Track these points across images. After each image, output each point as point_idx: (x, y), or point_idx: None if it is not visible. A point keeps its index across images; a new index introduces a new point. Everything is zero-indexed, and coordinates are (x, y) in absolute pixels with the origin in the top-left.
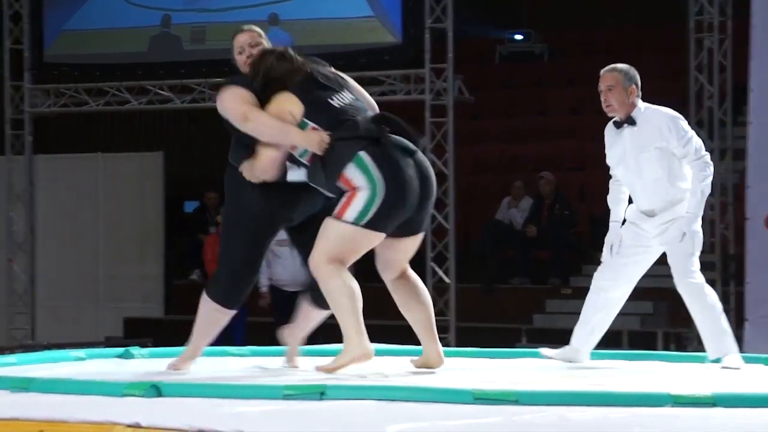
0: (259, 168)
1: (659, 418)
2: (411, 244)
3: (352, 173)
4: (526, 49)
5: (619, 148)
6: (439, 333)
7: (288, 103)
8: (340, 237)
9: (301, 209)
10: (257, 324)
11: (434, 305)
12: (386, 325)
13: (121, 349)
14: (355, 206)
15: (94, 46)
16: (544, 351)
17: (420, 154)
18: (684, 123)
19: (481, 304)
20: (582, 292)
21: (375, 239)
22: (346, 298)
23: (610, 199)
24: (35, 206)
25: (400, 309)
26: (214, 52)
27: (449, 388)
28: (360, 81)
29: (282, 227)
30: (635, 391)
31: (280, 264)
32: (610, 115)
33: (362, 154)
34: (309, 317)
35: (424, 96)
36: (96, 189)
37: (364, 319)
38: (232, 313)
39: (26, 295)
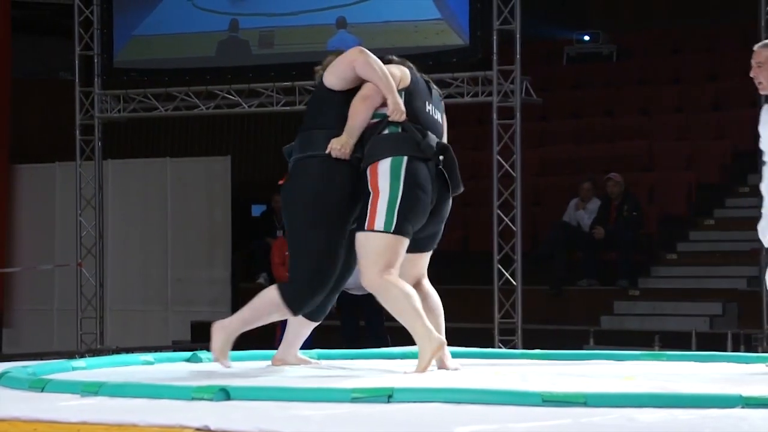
0: (360, 99)
1: (730, 420)
2: (425, 260)
3: (384, 169)
4: (593, 49)
5: None
6: (505, 335)
7: (399, 71)
8: (379, 247)
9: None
10: (324, 327)
11: (501, 307)
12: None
13: (188, 353)
14: (380, 214)
15: (162, 51)
16: None
17: (449, 198)
18: None
19: (548, 306)
20: (650, 294)
21: (405, 243)
22: (405, 303)
23: (765, 188)
24: (104, 211)
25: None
26: (282, 56)
27: (518, 390)
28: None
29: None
30: (705, 393)
31: None
32: (761, 93)
33: (405, 159)
34: (301, 334)
35: (491, 98)
36: (164, 193)
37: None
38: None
39: (95, 299)
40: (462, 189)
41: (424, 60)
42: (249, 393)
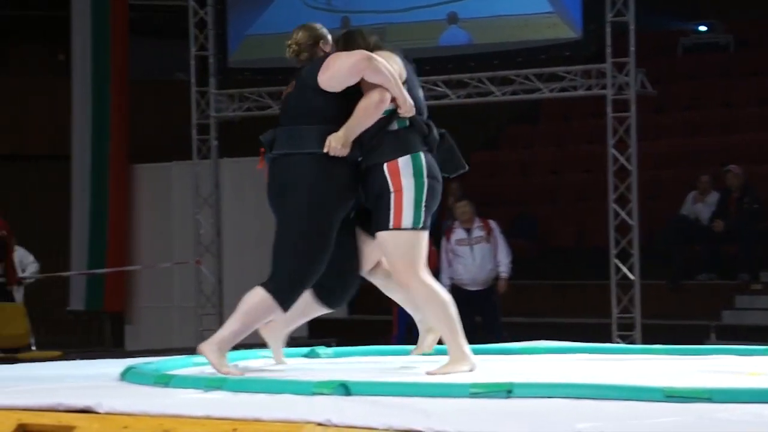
0: (374, 105)
1: None
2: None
3: (404, 166)
4: (710, 40)
5: None
6: (624, 330)
7: (395, 64)
8: (411, 245)
9: (353, 204)
10: None
11: (618, 302)
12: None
13: (307, 349)
14: (407, 212)
15: (275, 50)
16: None
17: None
18: None
19: (667, 300)
20: None
21: (427, 236)
22: (446, 312)
23: None
24: (221, 209)
25: (385, 291)
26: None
27: (639, 386)
28: (540, 77)
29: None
30: None
31: (461, 263)
32: None
33: (422, 155)
34: (306, 313)
35: (605, 91)
36: None
37: (545, 317)
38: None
39: (214, 296)
40: (467, 167)
41: (537, 54)
42: (369, 388)
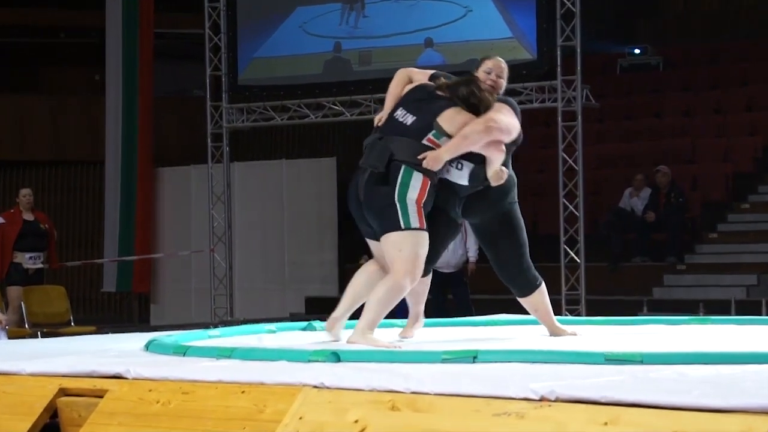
0: None
1: (767, 374)
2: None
3: None
4: (643, 61)
5: None
6: (571, 305)
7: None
8: None
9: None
10: None
11: (567, 281)
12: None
13: (304, 323)
14: None
15: (278, 70)
16: None
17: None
18: None
19: (608, 279)
20: (695, 268)
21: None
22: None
23: None
24: (232, 205)
25: None
26: (378, 72)
27: (584, 351)
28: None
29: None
30: (745, 351)
31: None
32: None
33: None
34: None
35: (556, 104)
36: (281, 189)
37: (506, 294)
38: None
39: (225, 279)
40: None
41: None
42: (356, 356)
